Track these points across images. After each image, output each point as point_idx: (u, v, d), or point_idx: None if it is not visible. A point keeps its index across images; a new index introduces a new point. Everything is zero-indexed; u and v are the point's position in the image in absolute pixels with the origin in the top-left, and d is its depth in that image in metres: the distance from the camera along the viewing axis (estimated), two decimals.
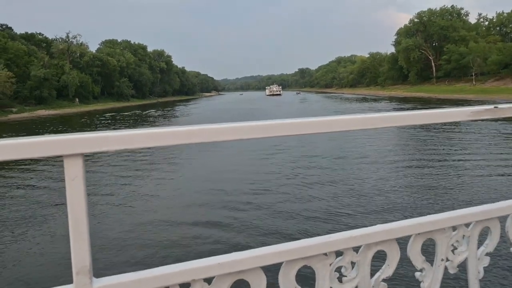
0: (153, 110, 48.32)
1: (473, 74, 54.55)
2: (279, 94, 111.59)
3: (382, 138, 16.28)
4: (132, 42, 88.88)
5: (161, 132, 0.60)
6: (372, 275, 0.81)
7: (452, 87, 55.09)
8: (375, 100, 55.99)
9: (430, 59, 67.77)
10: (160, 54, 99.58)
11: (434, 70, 66.97)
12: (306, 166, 11.21)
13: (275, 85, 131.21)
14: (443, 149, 13.76)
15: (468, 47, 57.24)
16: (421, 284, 0.87)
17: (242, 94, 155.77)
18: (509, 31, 60.85)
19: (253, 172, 10.70)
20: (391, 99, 54.93)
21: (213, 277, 0.70)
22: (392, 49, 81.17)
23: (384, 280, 0.81)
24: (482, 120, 0.83)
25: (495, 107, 0.83)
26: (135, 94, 78.79)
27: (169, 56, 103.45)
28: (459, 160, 11.39)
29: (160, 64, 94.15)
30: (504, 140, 14.99)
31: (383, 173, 10.03)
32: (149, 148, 0.62)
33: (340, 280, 0.77)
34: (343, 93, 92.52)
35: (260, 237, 5.92)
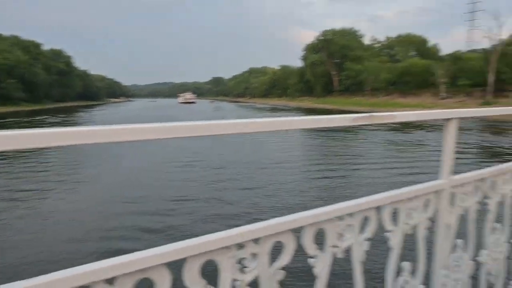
0: (48, 116, 43.51)
1: (368, 89, 61.79)
2: (193, 102, 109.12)
3: (286, 144, 17.61)
4: (21, 38, 78.41)
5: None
6: (272, 264, 0.89)
7: (350, 100, 61.29)
8: (284, 110, 59.56)
9: (333, 74, 74.27)
10: (57, 54, 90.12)
11: (336, 84, 73.50)
12: (218, 171, 11.53)
13: (189, 93, 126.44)
14: (340, 154, 15.48)
15: (364, 65, 64.57)
16: (314, 269, 0.99)
17: (155, 101, 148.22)
18: (395, 54, 70.11)
19: (167, 179, 10.58)
20: (299, 109, 59.19)
21: (115, 278, 0.69)
22: (300, 63, 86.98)
23: (282, 268, 0.90)
24: (360, 125, 0.99)
25: (370, 115, 1.01)
26: (27, 98, 69.85)
27: (69, 57, 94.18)
28: (350, 163, 12.95)
29: (59, 65, 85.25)
30: (393, 147, 17.31)
31: (286, 175, 10.96)
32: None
33: (242, 271, 0.84)
34: (255, 103, 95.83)
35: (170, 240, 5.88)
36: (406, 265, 1.28)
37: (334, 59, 74.84)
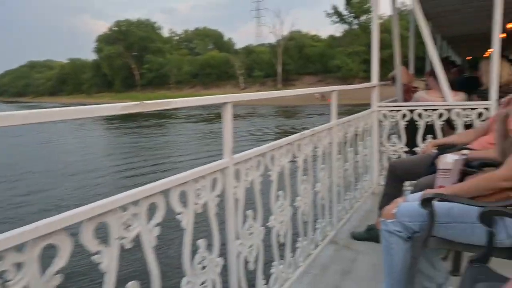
0: None
1: (172, 82, 63.26)
2: None
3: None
4: None
5: None
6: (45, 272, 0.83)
7: (156, 94, 61.20)
8: None
9: (133, 67, 72.13)
10: None
11: (138, 78, 71.77)
12: None
13: None
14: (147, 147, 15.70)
15: (166, 58, 65.54)
16: (100, 265, 0.99)
17: None
18: (194, 47, 74.06)
19: None
20: None
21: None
22: (94, 56, 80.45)
23: (58, 272, 0.85)
24: (132, 113, 1.03)
25: (141, 102, 1.07)
26: None
27: None
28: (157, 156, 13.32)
29: None
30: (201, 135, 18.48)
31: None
32: None
33: (4, 286, 0.75)
34: (41, 102, 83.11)
35: None
36: (201, 242, 1.43)
37: (133, 52, 72.76)
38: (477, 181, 1.62)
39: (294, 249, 2.22)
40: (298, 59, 54.54)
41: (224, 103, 1.55)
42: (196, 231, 1.37)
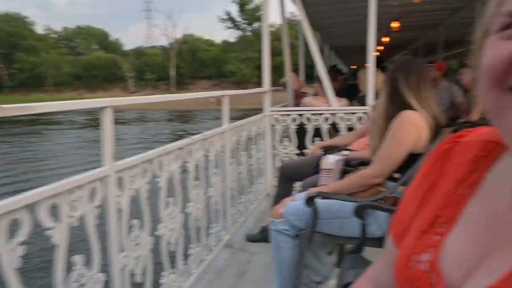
0: None
1: (49, 84, 57.30)
2: None
3: None
4: None
5: None
6: None
7: (30, 98, 54.72)
8: None
9: (0, 67, 63.50)
10: None
11: (6, 79, 63.38)
12: None
13: None
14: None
15: (40, 57, 59.10)
16: None
17: None
18: (75, 46, 68.43)
19: None
20: None
21: None
22: None
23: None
24: None
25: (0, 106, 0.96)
26: None
27: None
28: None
29: None
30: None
31: None
32: None
33: None
34: None
35: None
36: (78, 258, 1.32)
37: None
38: (353, 178, 1.83)
39: (186, 257, 2.21)
40: (192, 62, 54.52)
41: (103, 108, 1.47)
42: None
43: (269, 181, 4.02)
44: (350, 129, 3.86)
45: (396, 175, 1.76)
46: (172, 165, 2.03)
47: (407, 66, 1.79)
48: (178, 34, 57.97)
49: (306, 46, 4.49)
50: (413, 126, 1.70)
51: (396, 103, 1.75)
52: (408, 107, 1.73)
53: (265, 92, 4.01)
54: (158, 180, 1.92)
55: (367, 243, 1.67)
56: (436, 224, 0.56)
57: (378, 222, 1.72)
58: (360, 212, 1.62)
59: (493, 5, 0.46)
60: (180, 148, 2.10)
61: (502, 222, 0.48)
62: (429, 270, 0.52)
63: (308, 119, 3.93)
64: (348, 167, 2.28)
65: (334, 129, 4.10)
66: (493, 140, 0.55)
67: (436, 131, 1.74)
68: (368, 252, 1.61)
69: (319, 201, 1.76)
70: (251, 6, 53.53)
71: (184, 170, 2.18)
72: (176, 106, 33.62)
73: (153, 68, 55.23)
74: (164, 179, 1.95)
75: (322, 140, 3.75)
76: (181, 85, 51.50)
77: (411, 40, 12.40)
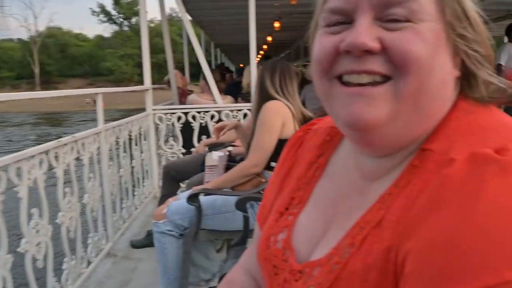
0: None
1: None
2: None
3: None
4: None
5: None
6: None
7: None
8: None
9: None
10: None
11: None
12: None
13: None
14: None
15: None
16: None
17: None
18: None
19: None
20: None
21: None
22: None
23: None
24: None
25: None
26: None
27: None
28: None
29: None
30: None
31: None
32: None
33: None
34: None
35: None
36: None
37: None
38: (233, 172, 1.92)
39: (60, 272, 2.05)
40: (61, 59, 49.67)
41: None
42: None
43: (155, 183, 3.94)
44: None
45: (273, 164, 1.91)
46: (35, 171, 1.84)
47: (272, 66, 2.03)
48: (41, 27, 52.17)
49: (190, 43, 4.50)
50: (277, 113, 1.91)
51: (263, 97, 1.97)
52: (272, 99, 1.94)
53: (147, 90, 3.92)
54: (17, 190, 1.73)
55: (251, 235, 1.77)
56: (291, 205, 0.63)
57: None
58: (242, 205, 1.72)
59: (320, 2, 0.53)
60: (45, 152, 1.93)
61: (343, 199, 0.56)
62: (284, 248, 0.58)
63: (194, 117, 3.96)
64: (232, 162, 2.38)
65: None
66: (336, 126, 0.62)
67: (304, 122, 1.95)
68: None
69: (202, 198, 1.81)
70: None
71: (50, 177, 2.01)
72: (43, 107, 30.09)
73: (11, 65, 48.79)
74: (24, 188, 1.75)
75: (209, 138, 3.82)
76: (48, 84, 46.46)
77: (293, 40, 13.32)
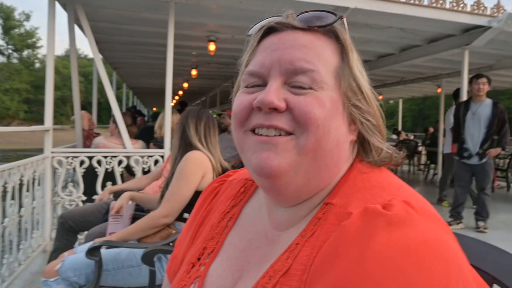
0: None
1: None
2: None
3: None
4: None
5: None
6: None
7: None
8: None
9: None
10: None
11: None
12: None
13: None
14: None
15: None
16: None
17: None
18: None
19: None
20: None
21: None
22: None
23: None
24: None
25: None
26: None
27: None
28: None
29: None
30: None
31: None
32: None
33: None
34: None
35: None
36: None
37: None
38: (141, 222, 1.81)
39: None
40: None
41: None
42: None
43: (47, 234, 3.55)
44: (146, 172, 3.85)
45: (186, 215, 1.84)
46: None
47: (198, 115, 2.03)
48: None
49: (101, 83, 4.33)
50: (199, 165, 1.87)
51: (185, 146, 1.93)
52: (195, 149, 1.91)
53: (47, 130, 3.62)
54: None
55: None
56: (204, 255, 0.65)
57: None
58: (149, 259, 1.60)
59: (243, 65, 0.61)
60: None
61: (253, 248, 0.60)
62: None
63: (99, 161, 3.73)
64: (140, 212, 2.25)
65: (128, 173, 4.01)
66: (251, 178, 0.68)
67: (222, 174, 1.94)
68: None
69: (104, 251, 1.66)
70: (19, 31, 48.08)
71: None
72: None
73: None
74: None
75: (115, 184, 3.60)
76: None
77: (209, 88, 13.61)
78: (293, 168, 0.53)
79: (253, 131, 0.55)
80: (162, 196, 1.89)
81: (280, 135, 0.53)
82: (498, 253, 0.70)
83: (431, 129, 10.64)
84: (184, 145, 1.94)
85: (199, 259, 0.65)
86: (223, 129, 5.72)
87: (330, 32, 0.58)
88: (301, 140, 0.52)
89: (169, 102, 4.01)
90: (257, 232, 0.62)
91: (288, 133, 0.53)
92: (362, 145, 0.59)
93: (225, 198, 0.72)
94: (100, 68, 4.05)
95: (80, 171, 3.68)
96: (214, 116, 2.29)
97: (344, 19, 0.60)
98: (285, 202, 0.58)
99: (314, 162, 0.54)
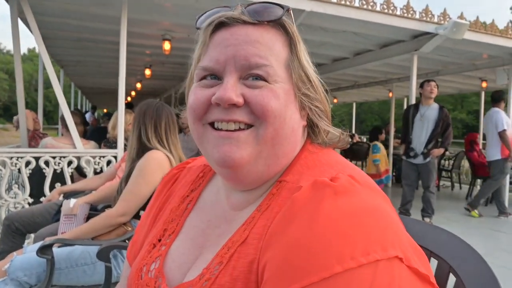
0: None
1: None
2: None
3: None
4: None
5: None
6: None
7: None
8: None
9: None
10: None
11: None
12: None
13: None
14: None
15: None
16: None
17: None
18: None
19: None
20: None
21: None
22: None
23: None
24: None
25: None
26: None
27: None
28: None
29: None
30: None
31: None
32: None
33: None
34: None
35: None
36: None
37: None
38: (97, 220, 1.80)
39: None
40: None
41: None
42: None
43: None
44: (98, 173, 3.78)
45: (142, 213, 1.85)
46: None
47: (157, 112, 1.96)
48: None
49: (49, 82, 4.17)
50: (160, 166, 1.86)
51: (144, 145, 1.91)
52: (155, 149, 1.90)
53: None
54: None
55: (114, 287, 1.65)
56: (164, 236, 0.69)
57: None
58: (104, 255, 1.61)
59: (195, 60, 0.65)
60: None
61: (212, 228, 0.66)
62: (156, 276, 0.63)
63: (47, 162, 3.62)
64: (94, 211, 2.23)
65: (78, 173, 3.92)
66: (209, 164, 0.72)
67: None
68: None
69: (56, 250, 1.64)
70: None
71: None
72: None
73: None
74: None
75: (64, 185, 3.50)
76: None
77: (164, 89, 13.41)
78: (254, 158, 0.58)
79: (211, 124, 0.59)
80: (118, 194, 1.89)
81: (240, 128, 0.57)
82: (435, 230, 0.79)
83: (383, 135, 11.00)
84: (143, 145, 1.91)
85: (159, 240, 0.69)
86: (179, 130, 5.69)
87: (278, 25, 0.62)
88: (260, 130, 0.57)
89: (122, 102, 3.96)
90: (216, 213, 0.67)
91: (248, 126, 0.57)
92: (311, 128, 0.66)
93: (184, 183, 0.77)
94: (48, 65, 3.92)
95: (25, 172, 3.55)
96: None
97: (291, 11, 0.64)
98: (244, 187, 0.63)
99: (272, 150, 0.59)
